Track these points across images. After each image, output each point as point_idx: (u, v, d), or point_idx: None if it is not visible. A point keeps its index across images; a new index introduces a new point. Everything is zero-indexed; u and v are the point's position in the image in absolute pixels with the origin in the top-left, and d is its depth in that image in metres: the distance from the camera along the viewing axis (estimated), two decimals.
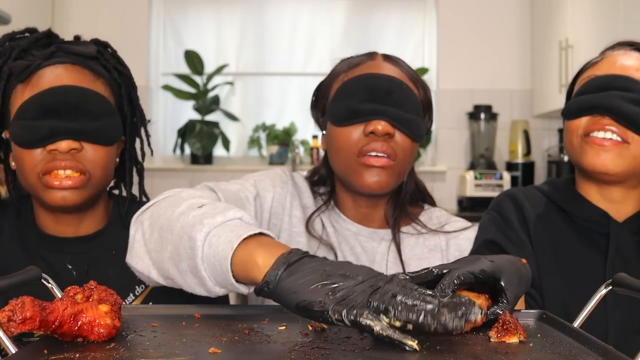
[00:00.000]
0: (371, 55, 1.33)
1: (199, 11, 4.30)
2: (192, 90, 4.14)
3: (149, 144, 1.39)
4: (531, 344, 0.78)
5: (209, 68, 4.17)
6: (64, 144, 1.17)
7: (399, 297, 0.72)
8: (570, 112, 1.23)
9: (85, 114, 1.19)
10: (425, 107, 1.32)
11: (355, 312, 0.72)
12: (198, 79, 4.14)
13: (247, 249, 0.85)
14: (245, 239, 0.86)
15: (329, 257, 1.30)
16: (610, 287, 0.89)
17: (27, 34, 1.30)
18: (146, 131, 1.39)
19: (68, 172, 1.18)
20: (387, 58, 1.32)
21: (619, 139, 1.17)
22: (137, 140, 1.38)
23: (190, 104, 4.17)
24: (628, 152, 1.17)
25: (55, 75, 1.21)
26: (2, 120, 1.26)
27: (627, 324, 1.16)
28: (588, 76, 1.25)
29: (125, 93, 1.31)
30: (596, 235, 1.24)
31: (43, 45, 1.28)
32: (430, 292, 0.73)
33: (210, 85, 4.16)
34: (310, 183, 1.38)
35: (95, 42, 1.32)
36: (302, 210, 1.33)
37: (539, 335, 0.83)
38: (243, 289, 0.87)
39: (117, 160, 1.32)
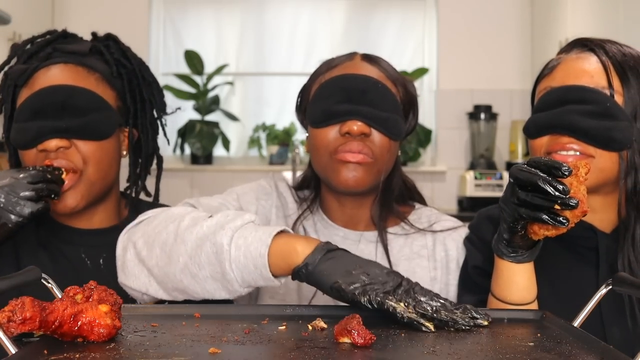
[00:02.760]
0: (350, 56, 1.33)
1: (199, 11, 4.30)
2: (192, 90, 4.14)
3: (164, 134, 1.41)
4: (531, 344, 0.78)
5: (209, 68, 4.17)
6: (53, 143, 1.21)
7: (418, 295, 0.88)
8: (530, 132, 1.20)
9: (70, 111, 1.21)
10: (407, 105, 1.31)
11: (382, 295, 0.86)
12: (198, 79, 4.14)
13: (282, 242, 0.94)
14: (274, 235, 0.95)
15: None
16: (611, 287, 0.89)
17: (48, 36, 1.33)
18: (161, 122, 1.41)
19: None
20: (366, 58, 1.32)
21: (582, 155, 1.13)
22: (151, 132, 1.40)
23: (190, 104, 4.17)
24: (594, 166, 1.11)
25: (46, 77, 1.24)
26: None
27: (627, 342, 1.12)
28: (544, 88, 1.21)
29: (127, 85, 1.32)
30: (584, 249, 1.20)
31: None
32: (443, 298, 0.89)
33: (210, 85, 4.16)
34: (297, 189, 1.39)
35: (97, 37, 1.35)
36: (285, 221, 1.33)
37: (539, 335, 0.83)
38: (276, 282, 0.96)
39: (125, 153, 1.34)
